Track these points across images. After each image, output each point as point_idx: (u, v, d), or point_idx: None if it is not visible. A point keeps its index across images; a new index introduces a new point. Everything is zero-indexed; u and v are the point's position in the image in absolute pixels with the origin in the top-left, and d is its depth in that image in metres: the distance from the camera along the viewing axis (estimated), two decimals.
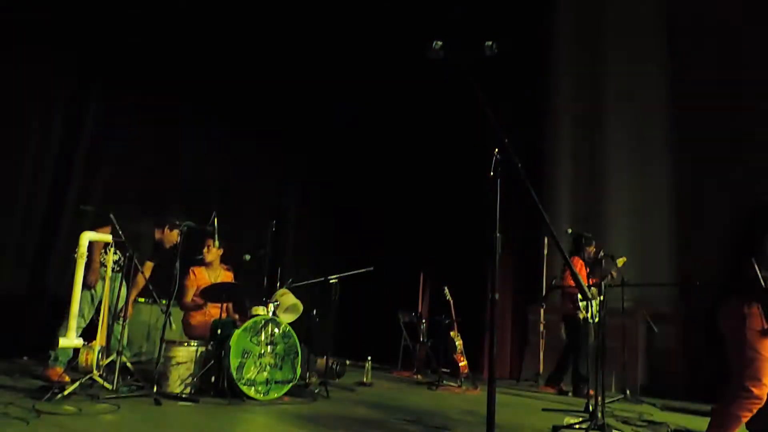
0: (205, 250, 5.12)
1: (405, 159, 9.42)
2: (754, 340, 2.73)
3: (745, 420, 2.76)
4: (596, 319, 5.52)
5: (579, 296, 5.89)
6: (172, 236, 4.84)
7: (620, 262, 5.58)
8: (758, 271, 2.73)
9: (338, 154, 9.22)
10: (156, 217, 4.87)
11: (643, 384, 6.59)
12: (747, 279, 2.76)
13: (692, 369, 6.51)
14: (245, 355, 4.17)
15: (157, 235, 4.87)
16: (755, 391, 2.71)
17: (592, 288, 5.27)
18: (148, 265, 4.98)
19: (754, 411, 2.75)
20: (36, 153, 6.17)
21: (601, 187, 7.53)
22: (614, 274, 5.56)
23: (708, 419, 2.99)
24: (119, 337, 4.10)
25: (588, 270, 5.29)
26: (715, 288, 3.04)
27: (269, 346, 4.32)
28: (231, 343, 4.11)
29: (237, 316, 5.09)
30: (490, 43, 2.29)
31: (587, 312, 5.67)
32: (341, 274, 5.09)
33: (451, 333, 6.83)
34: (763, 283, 2.73)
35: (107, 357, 4.03)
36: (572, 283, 5.87)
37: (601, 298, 4.50)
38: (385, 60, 8.76)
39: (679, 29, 7.53)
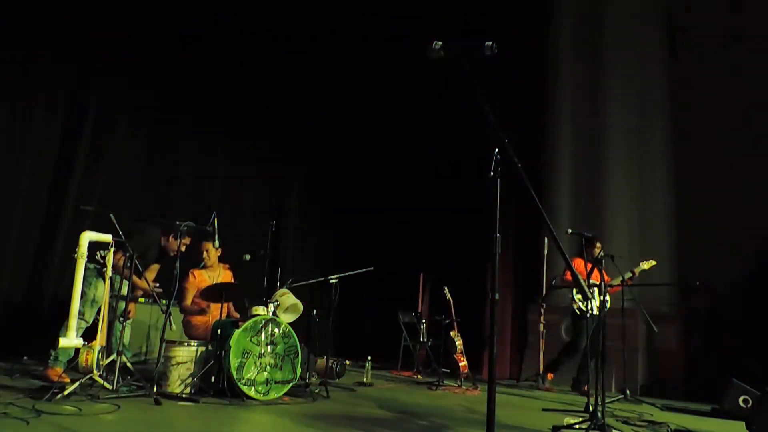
0: (205, 254, 5.11)
1: (405, 159, 9.43)
2: None
3: None
4: (594, 313, 5.61)
5: (574, 291, 5.92)
6: (176, 245, 4.85)
7: (647, 265, 5.49)
8: None
9: (338, 153, 9.22)
10: (163, 224, 4.88)
11: (643, 384, 6.59)
12: None
13: (692, 369, 6.52)
14: (245, 355, 4.17)
15: (163, 241, 4.90)
16: None
17: (594, 288, 5.30)
18: (154, 267, 4.97)
19: None
20: (36, 153, 6.17)
21: (602, 187, 7.52)
22: (636, 272, 5.47)
23: (707, 419, 2.98)
24: (119, 337, 4.10)
25: (588, 270, 5.28)
26: None
27: (269, 346, 4.31)
28: (231, 343, 4.11)
29: (238, 315, 5.09)
30: (490, 43, 2.29)
31: (586, 305, 5.74)
32: (341, 274, 5.08)
33: (451, 333, 6.83)
34: None
35: (107, 357, 4.03)
36: (568, 278, 5.91)
37: (602, 298, 4.49)
38: (385, 59, 8.77)
39: (679, 30, 7.54)
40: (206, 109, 7.57)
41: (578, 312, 5.92)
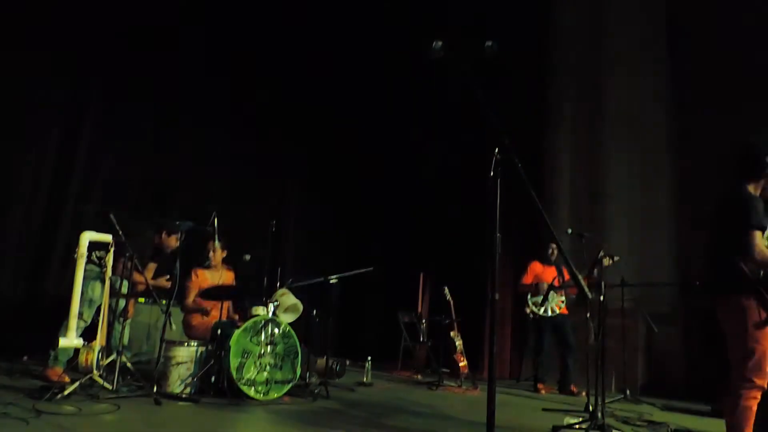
0: (211, 253, 5.12)
1: (405, 159, 9.42)
2: (753, 332, 2.83)
3: (754, 408, 2.83)
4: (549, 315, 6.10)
5: (529, 295, 6.32)
6: (171, 241, 4.86)
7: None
8: (744, 267, 2.86)
9: (339, 153, 9.21)
10: (155, 221, 4.87)
11: (643, 384, 6.59)
12: (738, 275, 2.86)
13: (692, 369, 6.51)
14: (245, 355, 4.17)
15: (156, 239, 4.89)
16: (758, 381, 2.81)
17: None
18: (151, 267, 4.98)
19: (759, 398, 2.82)
20: (36, 153, 6.17)
21: (602, 187, 7.52)
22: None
23: (707, 419, 3.01)
24: (119, 337, 4.10)
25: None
26: (710, 287, 3.13)
27: (269, 346, 4.32)
28: (231, 343, 4.11)
29: (237, 316, 5.09)
30: (489, 43, 2.29)
31: (540, 309, 6.15)
32: (341, 274, 5.08)
33: (451, 333, 6.83)
34: (752, 276, 2.86)
35: (107, 357, 4.03)
36: (527, 281, 6.38)
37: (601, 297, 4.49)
38: (386, 58, 8.76)
39: (679, 31, 7.53)
40: (206, 109, 7.56)
41: (531, 315, 6.29)
